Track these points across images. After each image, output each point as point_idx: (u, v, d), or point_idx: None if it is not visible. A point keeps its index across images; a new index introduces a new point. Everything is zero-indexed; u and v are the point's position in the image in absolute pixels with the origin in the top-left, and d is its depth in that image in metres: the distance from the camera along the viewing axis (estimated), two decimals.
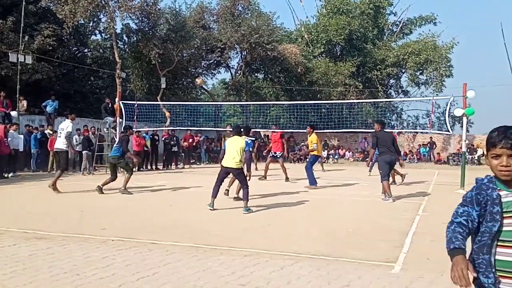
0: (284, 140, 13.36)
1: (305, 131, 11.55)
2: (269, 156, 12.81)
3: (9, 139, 12.32)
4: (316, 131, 11.29)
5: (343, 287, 3.53)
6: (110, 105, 15.06)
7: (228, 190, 8.65)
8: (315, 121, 17.57)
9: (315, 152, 10.88)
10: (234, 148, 7.11)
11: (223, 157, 7.43)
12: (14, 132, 12.75)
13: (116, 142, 10.00)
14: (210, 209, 7.00)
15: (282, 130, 14.53)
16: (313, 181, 10.60)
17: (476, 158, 21.74)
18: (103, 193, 8.87)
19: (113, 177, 9.15)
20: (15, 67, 16.22)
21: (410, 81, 27.74)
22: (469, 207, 1.81)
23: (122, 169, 9.60)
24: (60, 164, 9.69)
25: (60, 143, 9.49)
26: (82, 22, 22.61)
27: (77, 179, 12.44)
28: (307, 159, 11.44)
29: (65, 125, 9.49)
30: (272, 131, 13.75)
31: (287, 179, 12.01)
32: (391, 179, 10.46)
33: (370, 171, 14.89)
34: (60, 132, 9.56)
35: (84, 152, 14.00)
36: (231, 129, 9.02)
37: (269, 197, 9.05)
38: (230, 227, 5.86)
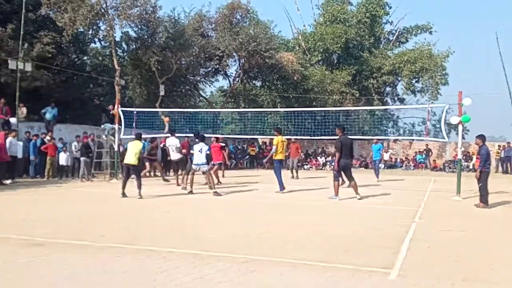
0: (225, 152, 13.52)
1: (302, 137, 11.66)
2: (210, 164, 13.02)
3: (7, 146, 12.34)
4: (313, 137, 11.39)
5: None
6: (111, 112, 15.04)
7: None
8: (312, 128, 17.63)
9: (278, 156, 10.95)
10: (134, 150, 9.47)
11: (123, 157, 9.71)
12: (13, 139, 12.75)
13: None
14: (121, 197, 9.22)
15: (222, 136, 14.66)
16: (281, 187, 10.70)
17: (472, 165, 21.84)
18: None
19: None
20: (14, 74, 16.25)
21: (406, 89, 27.95)
22: None
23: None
24: (186, 169, 11.76)
25: (176, 155, 12.24)
26: (82, 30, 22.69)
27: (75, 186, 12.43)
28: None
29: (175, 142, 12.20)
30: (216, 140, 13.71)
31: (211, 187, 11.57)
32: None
33: (377, 177, 14.95)
34: (173, 148, 12.19)
35: (82, 158, 13.98)
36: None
37: (265, 204, 9.08)
38: (228, 234, 5.88)
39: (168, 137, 13.09)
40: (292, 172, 15.72)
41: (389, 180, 15.02)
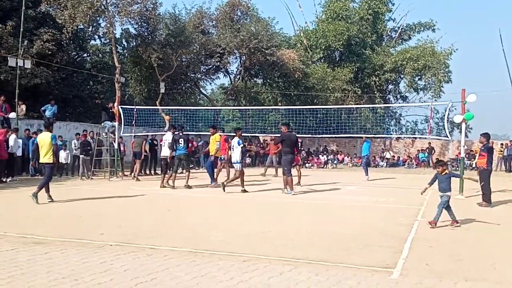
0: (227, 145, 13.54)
1: (304, 135, 11.67)
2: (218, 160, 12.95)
3: (10, 144, 12.36)
4: (315, 135, 11.44)
5: None
6: (111, 110, 15.02)
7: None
8: (314, 126, 17.57)
9: (217, 154, 11.31)
10: (45, 144, 7.90)
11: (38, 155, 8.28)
12: (14, 136, 12.72)
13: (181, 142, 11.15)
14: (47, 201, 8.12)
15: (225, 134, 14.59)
16: (212, 180, 11.25)
17: (474, 163, 21.76)
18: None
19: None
20: (14, 71, 16.24)
21: (409, 86, 27.88)
22: None
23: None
24: (172, 168, 11.33)
25: (165, 152, 11.39)
26: (82, 27, 22.68)
27: (75, 184, 12.41)
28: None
29: (169, 137, 11.33)
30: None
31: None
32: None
33: (367, 175, 14.92)
34: (165, 143, 11.45)
35: (81, 156, 13.95)
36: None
37: (267, 202, 9.05)
38: (229, 232, 5.85)
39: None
40: (276, 170, 15.53)
41: (390, 178, 14.96)
